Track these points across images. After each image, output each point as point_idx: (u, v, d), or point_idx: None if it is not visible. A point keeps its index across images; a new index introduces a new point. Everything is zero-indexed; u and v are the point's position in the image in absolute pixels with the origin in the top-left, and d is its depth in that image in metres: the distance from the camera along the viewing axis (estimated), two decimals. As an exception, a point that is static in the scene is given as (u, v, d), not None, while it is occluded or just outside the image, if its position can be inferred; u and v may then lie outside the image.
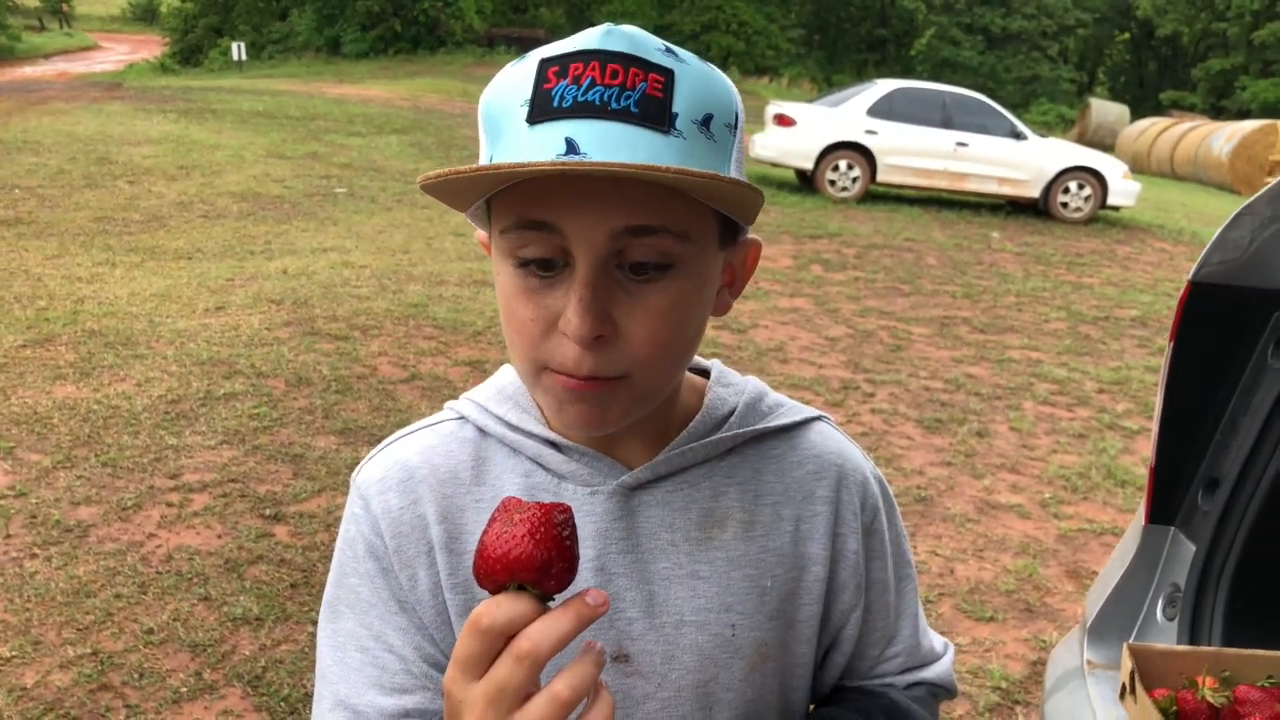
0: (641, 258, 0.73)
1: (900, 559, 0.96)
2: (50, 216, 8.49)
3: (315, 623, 3.10)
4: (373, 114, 16.81)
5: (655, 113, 0.71)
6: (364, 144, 13.88)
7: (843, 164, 12.68)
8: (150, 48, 44.56)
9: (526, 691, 0.61)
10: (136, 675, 2.86)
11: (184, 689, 2.82)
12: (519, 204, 0.73)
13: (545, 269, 0.74)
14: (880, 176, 12.75)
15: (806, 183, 13.08)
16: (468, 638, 0.62)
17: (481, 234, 0.83)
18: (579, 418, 0.78)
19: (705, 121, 0.73)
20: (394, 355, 5.67)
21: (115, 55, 45.72)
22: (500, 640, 0.61)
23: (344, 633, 0.85)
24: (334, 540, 3.59)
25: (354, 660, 0.84)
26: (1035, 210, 13.15)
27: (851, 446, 0.95)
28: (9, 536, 3.52)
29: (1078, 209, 12.91)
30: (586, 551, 0.83)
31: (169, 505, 3.83)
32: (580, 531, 0.77)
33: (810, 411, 0.94)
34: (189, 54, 36.78)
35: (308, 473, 4.17)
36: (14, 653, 2.90)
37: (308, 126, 14.85)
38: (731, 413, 0.89)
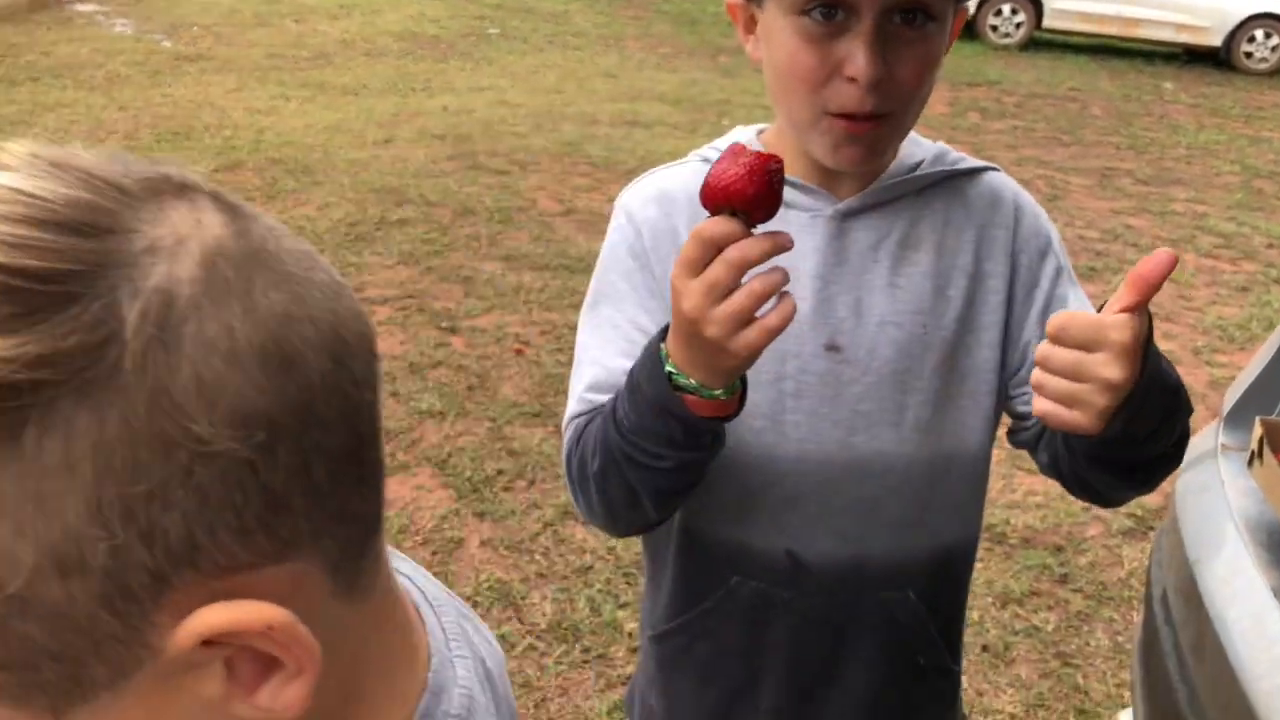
0: (914, 6, 0.91)
1: (1077, 288, 1.11)
2: (227, 53, 8.93)
3: (492, 419, 3.43)
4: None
5: None
6: (515, -15, 13.90)
7: (1006, 9, 12.09)
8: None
9: (731, 288, 0.82)
10: (341, 452, 3.25)
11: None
12: None
13: (827, 16, 0.91)
14: (1046, 22, 12.13)
15: (966, 28, 12.54)
16: (690, 245, 0.83)
17: (735, 2, 1.01)
18: (854, 155, 0.96)
19: None
20: (551, 190, 5.91)
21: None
22: (714, 249, 0.82)
23: (601, 317, 1.07)
24: (504, 352, 3.90)
25: (608, 335, 1.05)
26: (1215, 60, 12.31)
27: (1024, 191, 1.11)
28: (223, 334, 3.96)
29: (1263, 60, 12.04)
30: (806, 265, 1.02)
31: (356, 315, 4.20)
32: (802, 248, 0.97)
33: (989, 164, 1.11)
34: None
35: (478, 293, 4.48)
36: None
37: (460, -32, 14.92)
38: (922, 161, 1.06)
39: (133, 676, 0.40)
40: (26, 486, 0.36)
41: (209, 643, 0.40)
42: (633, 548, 2.88)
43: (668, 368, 0.90)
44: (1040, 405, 0.86)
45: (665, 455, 0.92)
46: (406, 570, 0.60)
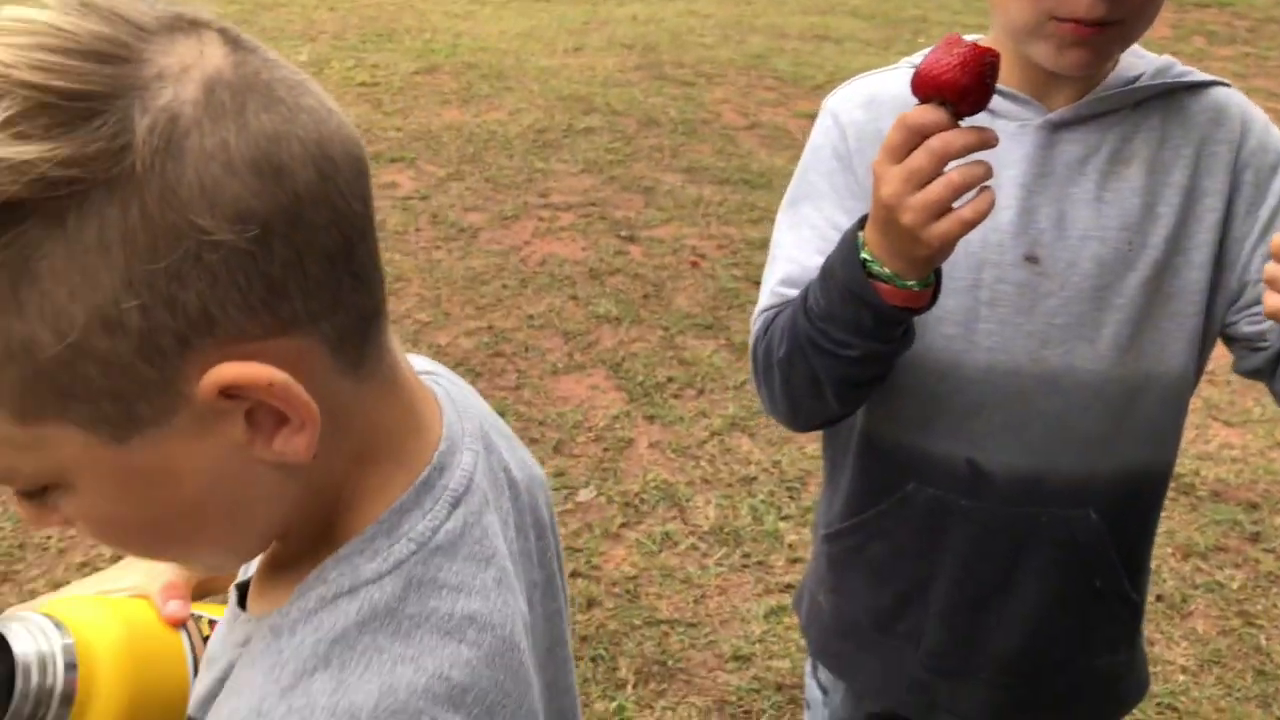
0: None
1: None
2: (427, -43, 9.14)
3: (665, 328, 3.51)
4: None
5: None
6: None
7: (1244, -78, 11.07)
8: None
9: (930, 177, 0.84)
10: (523, 349, 3.40)
11: (560, 364, 3.33)
12: None
13: None
14: (1289, -62, 11.04)
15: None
16: (894, 131, 0.86)
17: None
18: (1080, 59, 0.96)
19: None
20: (736, 103, 5.86)
21: None
22: (918, 137, 0.85)
23: (800, 215, 1.10)
24: (680, 264, 3.95)
25: (805, 234, 1.08)
26: None
27: (1256, 107, 1.06)
28: (419, 230, 4.15)
29: None
30: (1011, 173, 1.02)
31: (540, 219, 4.33)
32: (1008, 157, 0.97)
33: (1219, 78, 1.06)
34: None
35: (657, 204, 4.53)
36: (430, 319, 3.52)
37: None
38: (1141, 75, 1.03)
39: (174, 418, 0.51)
40: (73, 261, 0.47)
41: (228, 396, 0.50)
42: (798, 464, 2.92)
43: (863, 254, 0.92)
44: (1272, 302, 0.84)
45: (852, 343, 0.94)
46: (433, 370, 0.70)
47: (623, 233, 4.24)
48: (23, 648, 0.70)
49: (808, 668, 1.36)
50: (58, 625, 0.72)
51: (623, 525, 2.69)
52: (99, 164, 0.46)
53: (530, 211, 4.38)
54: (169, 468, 0.52)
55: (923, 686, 1.17)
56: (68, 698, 0.70)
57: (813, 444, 3.01)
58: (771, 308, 1.08)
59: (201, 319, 0.49)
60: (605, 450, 2.95)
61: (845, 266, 0.93)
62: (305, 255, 0.51)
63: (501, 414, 3.04)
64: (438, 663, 0.54)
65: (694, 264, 4.02)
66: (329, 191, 0.52)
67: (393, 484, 0.59)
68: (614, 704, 2.18)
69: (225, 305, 0.49)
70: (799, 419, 1.10)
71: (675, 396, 3.21)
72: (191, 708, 0.65)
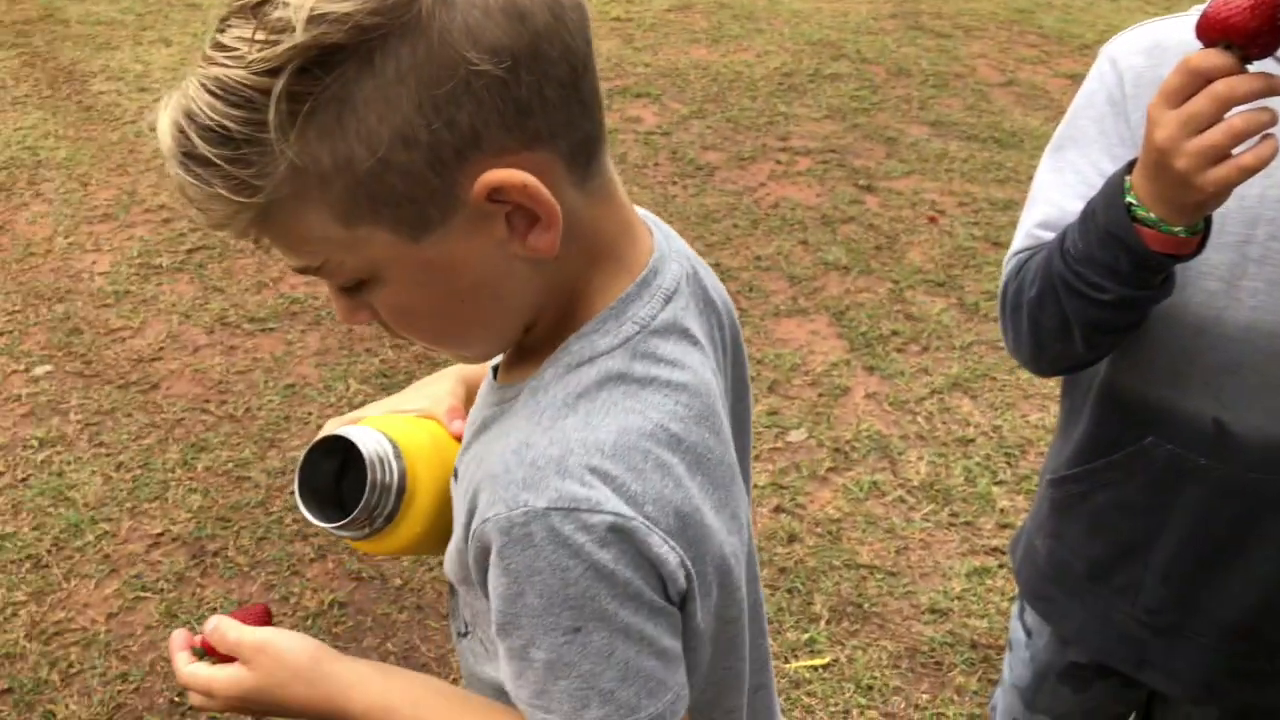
0: None
1: None
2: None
3: (894, 281, 3.46)
4: None
5: None
6: None
7: None
8: None
9: (1210, 122, 0.82)
10: (747, 288, 3.44)
11: (782, 307, 3.36)
12: None
13: None
14: None
15: None
16: (1174, 75, 0.84)
17: None
18: None
19: None
20: (993, 59, 5.62)
21: None
22: (1200, 80, 0.82)
23: (1064, 160, 1.09)
24: (917, 218, 3.88)
25: (1069, 179, 1.07)
26: None
27: None
28: (657, 165, 4.25)
29: None
30: None
31: (778, 163, 4.33)
32: None
33: None
34: None
35: (899, 155, 4.44)
36: (661, 250, 3.62)
37: None
38: None
39: (453, 219, 0.65)
40: (379, 91, 0.61)
41: (493, 199, 0.64)
42: (1019, 430, 2.85)
43: (1128, 198, 0.91)
44: None
45: (1107, 288, 0.94)
46: (645, 216, 0.82)
47: (861, 182, 4.19)
48: (368, 448, 0.82)
49: (1015, 610, 1.36)
50: (387, 437, 0.84)
51: (831, 469, 2.71)
52: (396, 12, 0.60)
53: (768, 154, 4.39)
54: (450, 262, 0.67)
55: (1135, 641, 1.16)
56: (401, 490, 0.82)
57: (1036, 413, 2.92)
58: (1026, 249, 1.07)
59: (471, 135, 0.62)
60: (820, 395, 2.97)
61: (1108, 209, 0.92)
62: (544, 83, 0.63)
63: (722, 348, 3.10)
64: (659, 416, 0.68)
65: (932, 219, 3.93)
66: (560, 30, 0.64)
67: (616, 281, 0.72)
68: (805, 635, 2.23)
69: (488, 124, 0.62)
70: (1042, 362, 1.10)
71: (898, 350, 3.18)
72: (459, 462, 0.79)
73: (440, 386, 0.94)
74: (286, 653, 0.78)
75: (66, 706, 2.06)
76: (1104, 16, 6.34)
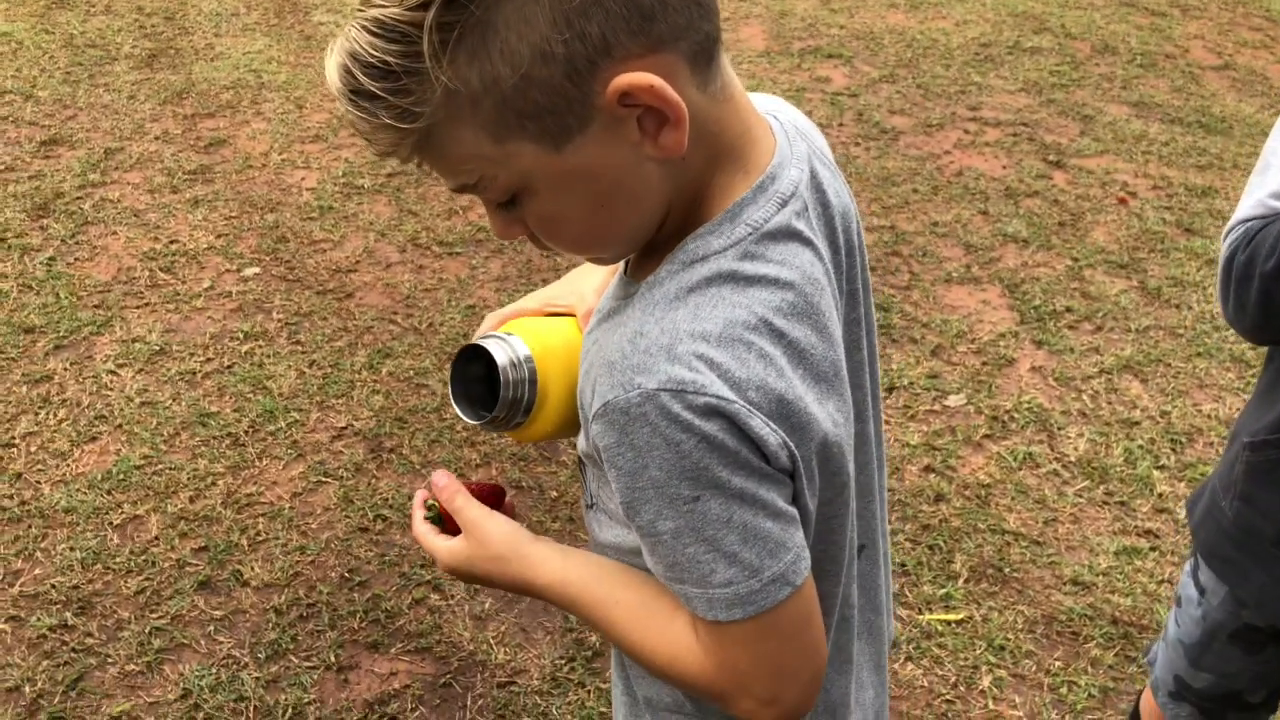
0: None
1: None
2: None
3: (1074, 259, 3.38)
4: None
5: None
6: None
7: None
8: None
9: None
10: (920, 253, 3.42)
11: (955, 274, 3.33)
12: None
13: None
14: None
15: None
16: None
17: None
18: None
19: None
20: (1211, 40, 5.32)
21: None
22: None
23: None
24: (1106, 198, 3.75)
25: None
26: None
27: None
28: (841, 125, 4.24)
29: None
30: None
31: (965, 132, 4.25)
32: None
33: None
34: None
35: (1094, 134, 4.28)
36: (836, 208, 3.63)
37: None
38: None
39: (590, 126, 0.70)
40: (516, 11, 0.66)
41: (625, 104, 0.69)
42: (1189, 418, 2.76)
43: None
44: None
45: None
46: (775, 110, 0.86)
47: (1050, 157, 4.07)
48: (502, 360, 0.91)
49: (1187, 566, 1.36)
50: (522, 341, 0.93)
51: (986, 436, 2.70)
52: None
53: (957, 122, 4.32)
54: (589, 167, 0.72)
55: None
56: (532, 398, 0.91)
57: (1210, 403, 2.82)
58: (1256, 218, 1.05)
59: (602, 44, 0.67)
60: (984, 364, 2.95)
61: None
62: None
63: (885, 309, 3.12)
64: (764, 310, 0.73)
65: (1122, 200, 3.79)
66: None
67: (736, 185, 0.77)
68: (942, 591, 2.25)
69: (616, 31, 0.67)
70: (1266, 331, 1.08)
71: (1070, 327, 3.11)
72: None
73: (588, 283, 1.01)
74: (493, 534, 0.88)
75: (251, 568, 2.29)
76: (1343, 3, 5.89)
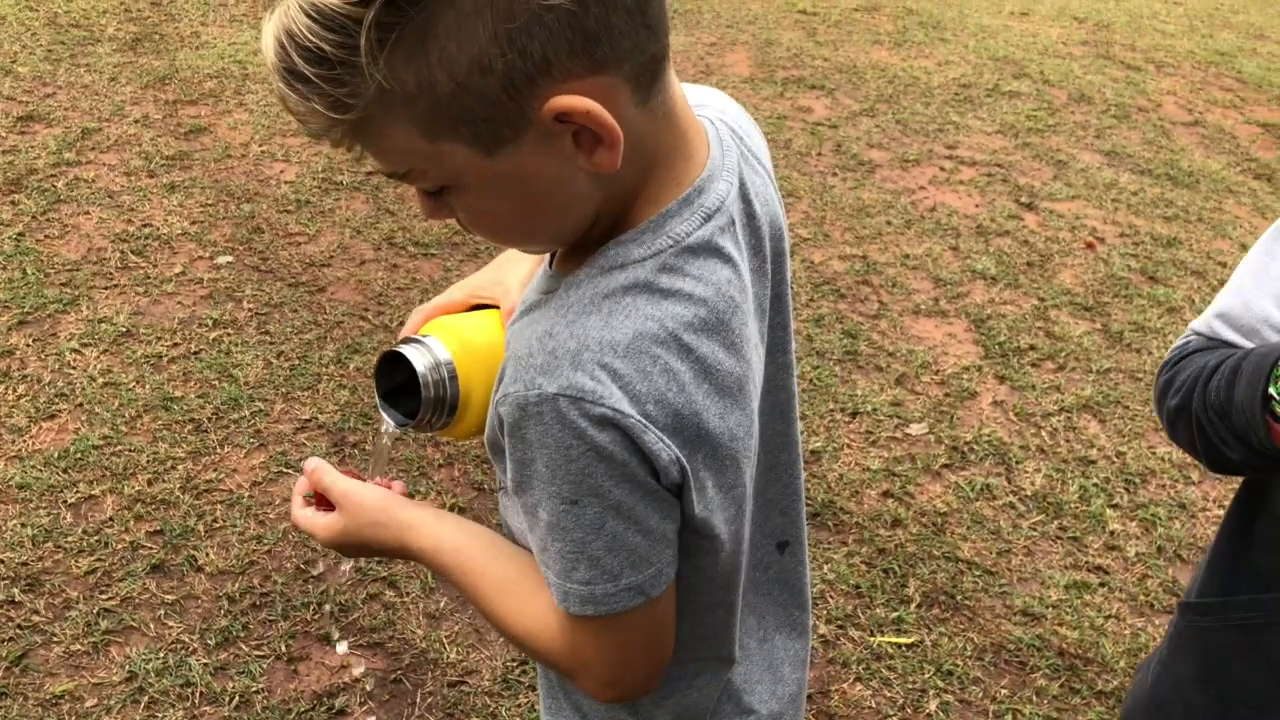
0: None
1: None
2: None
3: (1040, 298, 3.43)
4: None
5: None
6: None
7: None
8: None
9: None
10: (891, 283, 3.47)
11: (923, 306, 3.38)
12: None
13: None
14: None
15: None
16: None
17: None
18: None
19: None
20: (1183, 97, 5.45)
21: None
22: None
23: (1273, 254, 0.99)
24: (1074, 241, 3.81)
25: (1273, 274, 0.98)
26: None
27: None
28: (820, 155, 4.30)
29: None
30: None
31: (941, 169, 4.32)
32: None
33: None
34: None
35: (1066, 179, 4.37)
36: (810, 236, 3.68)
37: None
38: None
39: (524, 137, 0.70)
40: (458, 23, 0.65)
41: (560, 120, 0.69)
42: (1144, 460, 2.81)
43: (1272, 389, 0.85)
44: None
45: (1234, 446, 0.90)
46: (705, 103, 0.87)
47: (1022, 199, 4.15)
48: (421, 366, 0.91)
49: None
50: (441, 344, 0.93)
51: (945, 466, 2.73)
52: None
53: (933, 159, 4.39)
54: (521, 174, 0.73)
55: None
56: (454, 400, 0.92)
57: (1165, 446, 2.88)
58: (1198, 335, 1.01)
59: (543, 63, 0.67)
60: (947, 395, 2.99)
61: (1250, 383, 0.85)
62: (611, 11, 0.68)
63: (853, 336, 3.15)
64: (674, 325, 0.74)
65: (1089, 245, 3.87)
66: None
67: (664, 196, 0.78)
68: (894, 614, 2.28)
69: (558, 52, 0.67)
70: (1199, 460, 1.01)
71: (1033, 365, 3.17)
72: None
73: (514, 275, 1.00)
74: (365, 499, 0.91)
75: (206, 554, 2.27)
76: (1311, 69, 6.06)
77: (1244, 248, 3.96)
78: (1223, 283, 3.90)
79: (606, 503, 0.73)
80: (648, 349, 0.72)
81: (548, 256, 0.87)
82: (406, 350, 0.92)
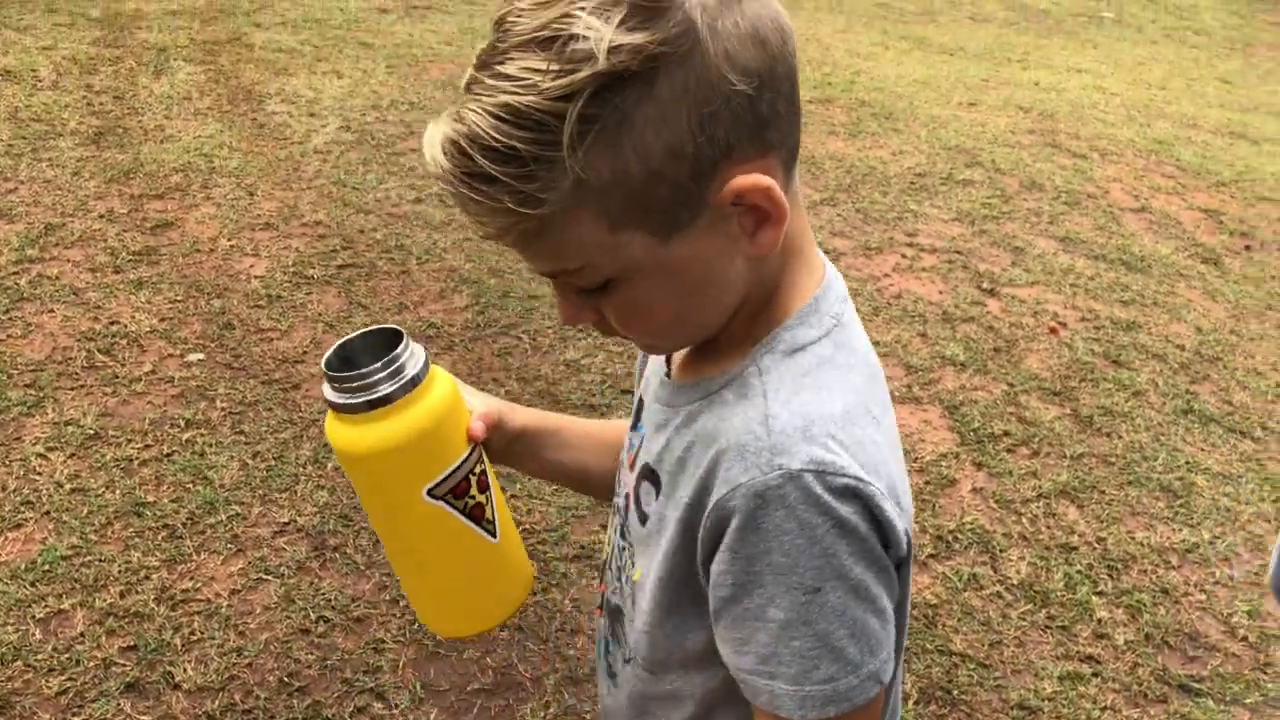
0: None
1: None
2: (839, -4, 9.42)
3: (1010, 384, 3.48)
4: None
5: None
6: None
7: None
8: None
9: None
10: (864, 372, 3.50)
11: (897, 393, 3.41)
12: None
13: None
14: None
15: None
16: None
17: None
18: None
19: None
20: (1127, 184, 5.64)
21: None
22: None
23: None
24: (1038, 326, 3.88)
25: None
26: None
27: None
28: (786, 243, 4.37)
29: None
30: None
31: (903, 256, 4.41)
32: None
33: None
34: None
35: (1024, 264, 4.47)
36: (783, 324, 3.71)
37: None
38: None
39: (698, 220, 0.73)
40: (657, 111, 0.68)
41: (735, 202, 0.72)
42: (1124, 546, 2.84)
43: None
44: None
45: None
46: None
47: (984, 285, 4.23)
48: (406, 338, 0.89)
49: None
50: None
51: (931, 556, 2.73)
52: (679, 42, 0.68)
53: (895, 247, 4.47)
54: (689, 259, 0.75)
55: None
56: (416, 380, 0.87)
57: (1143, 531, 2.91)
58: None
59: (726, 146, 0.71)
60: (927, 483, 3.00)
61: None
62: (778, 98, 0.72)
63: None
64: (863, 395, 0.79)
65: (1053, 330, 3.95)
66: (786, 53, 0.73)
67: (805, 281, 0.82)
68: (893, 712, 2.25)
69: (740, 136, 0.71)
70: None
71: (1008, 450, 3.20)
72: (650, 458, 0.86)
73: (485, 399, 1.00)
74: None
75: (184, 670, 2.19)
76: (1243, 159, 6.32)
77: (1199, 330, 4.08)
78: (1183, 366, 3.90)
79: (849, 584, 0.71)
80: (857, 420, 0.75)
81: (661, 369, 0.89)
82: (384, 328, 0.90)
